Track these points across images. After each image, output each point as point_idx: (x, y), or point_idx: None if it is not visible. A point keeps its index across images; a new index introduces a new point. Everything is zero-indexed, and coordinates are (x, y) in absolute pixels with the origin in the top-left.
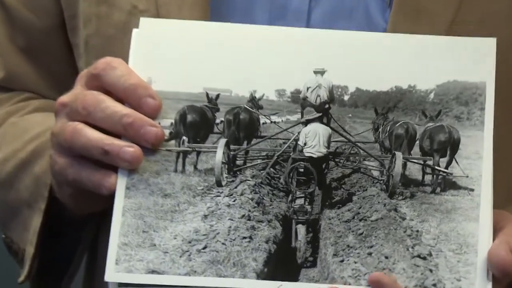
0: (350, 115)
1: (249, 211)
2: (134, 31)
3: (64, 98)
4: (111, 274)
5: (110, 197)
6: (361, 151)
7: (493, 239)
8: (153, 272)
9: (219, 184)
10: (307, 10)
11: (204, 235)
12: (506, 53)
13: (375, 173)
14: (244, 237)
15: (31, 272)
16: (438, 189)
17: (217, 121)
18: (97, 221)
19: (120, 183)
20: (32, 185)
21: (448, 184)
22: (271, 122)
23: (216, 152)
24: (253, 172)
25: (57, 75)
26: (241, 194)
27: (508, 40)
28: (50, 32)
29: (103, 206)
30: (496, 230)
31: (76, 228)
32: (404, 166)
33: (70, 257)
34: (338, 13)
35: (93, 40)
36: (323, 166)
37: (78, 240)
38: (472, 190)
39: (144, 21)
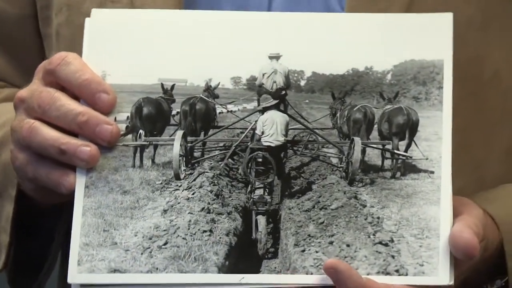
0: (307, 100)
1: (209, 203)
2: (87, 20)
3: (22, 93)
4: (74, 275)
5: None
6: (319, 138)
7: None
8: (115, 271)
9: (177, 177)
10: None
11: (164, 230)
12: (466, 32)
13: (334, 160)
14: (205, 231)
15: (8, 261)
16: (398, 174)
17: (173, 112)
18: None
19: (79, 182)
20: (0, 173)
21: (408, 167)
22: (228, 111)
23: (173, 145)
24: (211, 163)
25: (28, 65)
26: (200, 187)
27: (467, 18)
28: (22, 22)
29: (68, 198)
30: (455, 215)
31: (49, 220)
32: (363, 151)
33: (45, 254)
34: (297, 1)
35: (63, 29)
36: (282, 155)
37: (52, 235)
38: (432, 172)
39: (95, 12)
